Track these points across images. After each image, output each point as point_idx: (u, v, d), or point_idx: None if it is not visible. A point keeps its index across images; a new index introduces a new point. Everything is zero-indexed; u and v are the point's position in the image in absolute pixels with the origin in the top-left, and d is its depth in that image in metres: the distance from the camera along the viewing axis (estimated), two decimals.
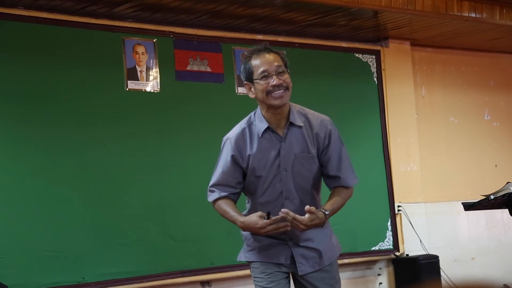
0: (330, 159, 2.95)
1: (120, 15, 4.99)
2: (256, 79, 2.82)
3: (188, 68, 5.27)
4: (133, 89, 5.02)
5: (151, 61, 5.11)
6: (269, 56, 2.85)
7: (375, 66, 6.27)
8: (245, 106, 5.36)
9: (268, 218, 2.80)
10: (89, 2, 4.70)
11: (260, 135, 2.88)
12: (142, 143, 5.00)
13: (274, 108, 2.84)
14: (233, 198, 3.01)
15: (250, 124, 2.93)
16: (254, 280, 3.04)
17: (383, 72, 6.31)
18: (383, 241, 6.10)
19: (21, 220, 4.49)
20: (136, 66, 5.05)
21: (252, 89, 2.86)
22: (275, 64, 2.82)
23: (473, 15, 5.92)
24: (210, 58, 5.36)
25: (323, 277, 2.98)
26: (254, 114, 2.95)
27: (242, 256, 3.10)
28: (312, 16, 5.49)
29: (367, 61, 6.25)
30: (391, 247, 6.14)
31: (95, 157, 4.80)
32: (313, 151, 2.92)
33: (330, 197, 3.01)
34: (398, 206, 6.24)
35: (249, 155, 2.90)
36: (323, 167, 2.97)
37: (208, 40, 5.38)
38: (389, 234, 6.13)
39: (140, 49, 5.08)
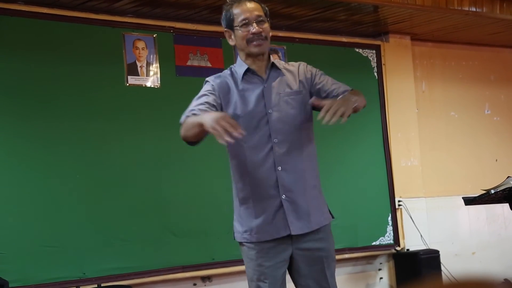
0: (326, 81, 2.92)
1: (120, 10, 4.99)
2: (236, 26, 2.83)
3: (188, 63, 5.27)
4: (133, 85, 5.02)
5: (151, 56, 5.11)
6: (250, 5, 2.85)
7: (375, 61, 6.26)
8: None
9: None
10: None
11: (241, 78, 2.87)
12: (143, 138, 5.00)
13: (253, 56, 2.85)
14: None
15: (231, 72, 2.91)
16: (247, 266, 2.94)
17: (383, 67, 6.31)
18: (384, 236, 6.10)
19: (21, 216, 4.50)
20: (136, 62, 5.05)
21: (232, 37, 2.87)
22: (256, 13, 2.83)
23: (473, 9, 5.91)
24: (210, 53, 5.36)
25: (320, 238, 2.86)
26: (234, 65, 2.95)
27: (236, 236, 2.95)
28: (312, 11, 5.49)
29: (367, 56, 6.24)
30: (392, 242, 6.14)
31: (96, 153, 4.80)
32: (296, 87, 2.89)
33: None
34: (399, 201, 6.24)
35: (231, 98, 2.85)
36: (322, 92, 2.89)
37: (208, 35, 5.38)
38: (389, 229, 6.13)
39: (140, 45, 5.07)
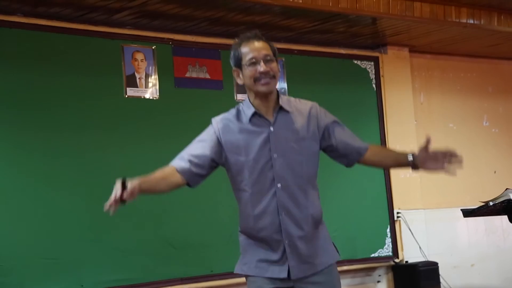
0: (341, 134, 2.97)
1: (119, 22, 5.00)
2: (244, 64, 2.83)
3: (187, 75, 5.28)
4: (132, 96, 5.03)
5: (150, 68, 5.11)
6: (258, 44, 2.84)
7: (373, 72, 6.28)
8: None
9: (124, 187, 2.72)
10: (88, 9, 4.71)
11: (248, 121, 2.85)
12: (141, 150, 4.99)
13: (261, 95, 2.84)
14: (185, 173, 2.89)
15: (238, 112, 2.90)
16: None
17: (381, 78, 6.32)
18: (383, 248, 6.09)
19: (20, 227, 4.49)
20: (135, 73, 5.05)
21: (240, 75, 2.88)
22: (263, 52, 2.82)
23: (471, 21, 5.93)
24: (209, 65, 5.37)
25: (320, 282, 2.85)
26: (242, 104, 2.94)
27: (237, 268, 3.01)
28: (311, 23, 5.50)
29: (365, 68, 6.25)
30: (391, 253, 6.13)
31: (94, 164, 4.80)
32: (304, 133, 2.87)
33: (388, 152, 3.23)
34: (398, 213, 6.23)
35: (235, 141, 2.84)
36: (339, 144, 2.95)
37: (207, 47, 5.39)
38: (388, 240, 6.12)
39: (139, 56, 5.08)
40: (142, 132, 5.02)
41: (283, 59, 5.71)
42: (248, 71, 2.82)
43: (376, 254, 6.05)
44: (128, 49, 5.05)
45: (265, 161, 2.79)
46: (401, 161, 2.98)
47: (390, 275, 6.24)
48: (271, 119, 2.84)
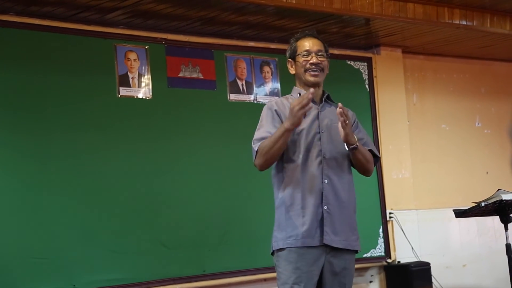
0: (362, 137, 3.32)
1: (112, 21, 4.99)
2: (298, 55, 3.22)
3: (180, 74, 5.27)
4: (125, 96, 5.02)
5: (143, 67, 5.11)
6: (314, 40, 3.27)
7: (366, 73, 6.28)
8: (237, 113, 5.43)
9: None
10: (81, 8, 4.70)
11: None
12: (134, 149, 4.99)
13: (309, 85, 3.18)
14: None
15: (287, 98, 3.26)
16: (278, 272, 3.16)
17: (374, 79, 6.33)
18: (375, 248, 6.10)
19: (11, 227, 4.47)
20: (128, 73, 5.05)
21: (293, 66, 3.27)
22: (317, 47, 3.23)
23: (464, 22, 5.94)
24: (202, 65, 5.37)
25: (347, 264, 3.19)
26: (291, 93, 3.29)
27: (279, 243, 3.14)
28: (304, 24, 5.50)
29: (358, 68, 6.26)
30: (383, 254, 6.14)
31: (87, 164, 4.78)
32: None
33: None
34: (390, 213, 6.24)
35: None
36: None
37: (200, 47, 5.38)
38: (380, 241, 6.13)
39: (132, 56, 5.08)
40: (134, 131, 5.01)
41: (276, 59, 5.71)
42: (301, 60, 3.22)
43: (368, 254, 6.06)
44: (121, 48, 5.04)
45: (314, 133, 3.16)
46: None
47: (383, 275, 6.25)
48: (319, 103, 3.24)
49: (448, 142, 6.96)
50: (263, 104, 5.58)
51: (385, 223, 6.18)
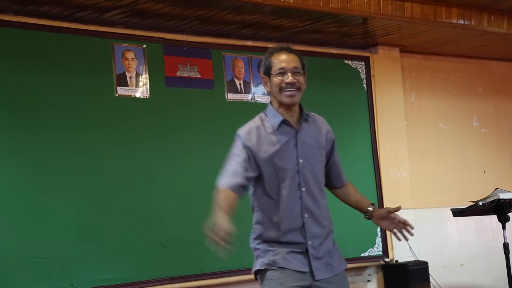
0: (336, 161, 3.19)
1: (109, 21, 4.99)
2: (273, 73, 2.99)
3: (178, 74, 5.27)
4: (123, 95, 5.02)
5: (141, 67, 5.10)
6: (289, 56, 3.02)
7: (364, 72, 6.29)
8: (235, 112, 5.43)
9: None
10: (79, 8, 4.69)
11: (276, 128, 2.99)
12: (132, 149, 4.98)
13: (285, 105, 2.99)
14: (239, 192, 2.95)
15: (263, 121, 3.03)
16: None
17: (372, 78, 6.33)
18: (373, 247, 6.11)
19: (9, 227, 4.46)
20: (126, 72, 5.04)
21: (268, 83, 3.03)
22: (293, 64, 3.00)
23: (462, 22, 5.95)
24: (200, 64, 5.36)
25: (334, 282, 3.05)
26: (265, 112, 3.06)
27: (258, 265, 3.04)
28: (302, 23, 5.51)
29: (356, 68, 6.26)
30: (381, 253, 6.15)
31: (85, 163, 4.78)
32: (323, 143, 3.09)
33: (356, 195, 3.34)
34: None
35: (264, 147, 2.96)
36: (330, 166, 3.16)
37: (198, 46, 5.38)
38: (378, 240, 6.14)
39: (130, 55, 5.07)
40: (132, 131, 5.01)
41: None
42: (275, 80, 2.98)
43: (366, 254, 6.06)
44: (119, 48, 5.03)
45: (293, 166, 2.97)
46: (362, 207, 3.33)
47: (380, 274, 6.25)
48: (297, 127, 3.01)
49: (445, 141, 6.96)
50: (261, 104, 5.64)
51: None
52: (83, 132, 4.80)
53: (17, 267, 4.45)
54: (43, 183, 4.62)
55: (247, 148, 2.95)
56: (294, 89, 2.97)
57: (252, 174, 2.94)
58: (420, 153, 6.73)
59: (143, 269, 4.91)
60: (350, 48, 6.31)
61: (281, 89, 2.97)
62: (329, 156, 3.13)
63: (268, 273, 2.99)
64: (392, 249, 6.23)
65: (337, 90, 6.11)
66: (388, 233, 6.23)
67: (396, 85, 6.55)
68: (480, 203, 4.57)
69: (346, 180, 3.29)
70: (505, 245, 4.64)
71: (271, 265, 2.97)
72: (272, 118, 3.01)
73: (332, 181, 3.22)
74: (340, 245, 5.81)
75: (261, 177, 2.97)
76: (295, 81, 2.97)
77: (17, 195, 4.52)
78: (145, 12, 4.90)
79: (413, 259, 6.20)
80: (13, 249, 4.46)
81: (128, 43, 5.07)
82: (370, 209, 3.27)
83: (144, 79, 5.11)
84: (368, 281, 6.22)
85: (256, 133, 2.98)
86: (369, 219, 3.29)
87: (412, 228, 3.26)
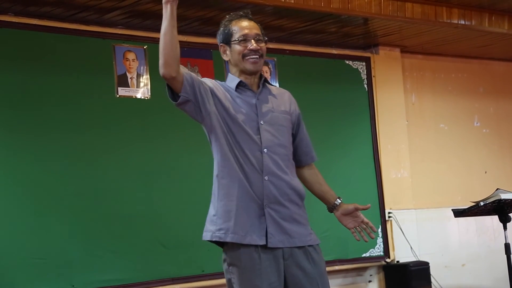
0: (305, 135, 3.03)
1: (110, 21, 4.99)
2: (234, 40, 2.89)
3: None
4: (124, 96, 5.02)
5: (142, 67, 5.11)
6: (250, 23, 2.94)
7: (365, 73, 6.29)
8: None
9: None
10: (80, 8, 4.70)
11: (234, 90, 2.89)
12: (133, 149, 4.99)
13: (246, 73, 2.89)
14: (178, 67, 2.98)
15: (223, 84, 2.94)
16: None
17: (373, 78, 6.33)
18: (374, 248, 6.10)
19: (10, 228, 4.47)
20: (127, 73, 5.04)
21: (227, 52, 2.92)
22: (255, 31, 2.91)
23: (462, 22, 5.95)
24: (201, 65, 5.36)
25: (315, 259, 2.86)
26: (226, 81, 2.96)
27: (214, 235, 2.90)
28: (302, 23, 5.51)
29: (357, 68, 6.26)
30: (382, 253, 6.15)
31: (85, 164, 4.78)
32: (287, 109, 2.96)
33: (325, 185, 3.09)
34: (389, 213, 6.24)
35: (225, 103, 2.85)
36: (298, 142, 3.01)
37: (198, 46, 5.38)
38: (379, 240, 6.14)
39: (131, 56, 5.08)
40: (133, 131, 5.01)
41: (275, 59, 5.71)
42: (238, 47, 2.88)
43: (367, 254, 6.06)
44: (120, 48, 5.04)
45: (253, 125, 2.84)
46: (328, 199, 3.09)
47: (382, 275, 6.25)
48: (256, 91, 2.91)
49: (446, 141, 6.96)
50: None
51: (384, 222, 6.18)
52: (84, 133, 4.80)
53: (17, 267, 4.45)
54: (43, 184, 4.62)
55: (212, 83, 2.87)
56: (257, 56, 2.87)
57: (194, 91, 2.85)
58: (421, 154, 6.73)
59: (144, 270, 4.91)
60: (351, 48, 6.31)
61: (244, 56, 2.86)
62: (296, 131, 2.99)
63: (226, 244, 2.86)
64: (393, 250, 6.23)
65: (338, 90, 6.11)
66: (389, 233, 6.23)
67: (397, 86, 6.55)
68: (481, 203, 4.56)
69: (316, 157, 3.07)
70: (506, 246, 4.63)
71: (220, 238, 2.87)
72: (230, 82, 2.91)
73: (301, 158, 3.02)
74: (341, 246, 5.88)
75: (216, 128, 2.83)
76: (259, 47, 2.88)
77: (17, 196, 4.52)
78: (146, 13, 4.90)
79: (414, 259, 6.20)
80: (14, 249, 4.46)
81: (129, 44, 5.08)
82: (338, 201, 3.09)
83: (145, 79, 5.11)
84: (369, 281, 6.22)
85: (219, 85, 2.90)
86: (331, 212, 3.09)
87: (374, 231, 3.08)
